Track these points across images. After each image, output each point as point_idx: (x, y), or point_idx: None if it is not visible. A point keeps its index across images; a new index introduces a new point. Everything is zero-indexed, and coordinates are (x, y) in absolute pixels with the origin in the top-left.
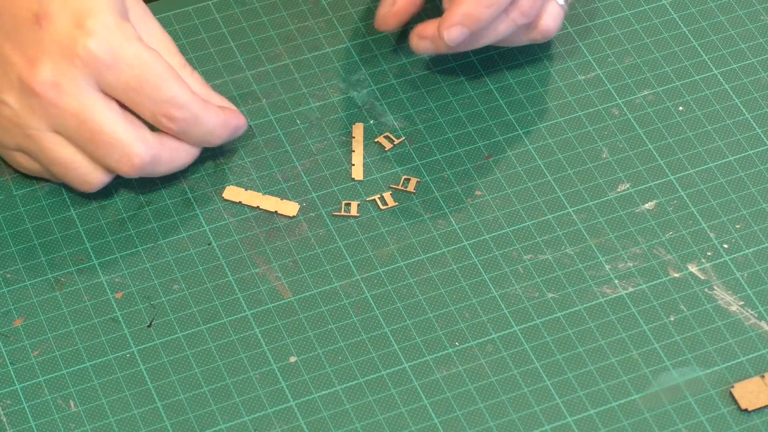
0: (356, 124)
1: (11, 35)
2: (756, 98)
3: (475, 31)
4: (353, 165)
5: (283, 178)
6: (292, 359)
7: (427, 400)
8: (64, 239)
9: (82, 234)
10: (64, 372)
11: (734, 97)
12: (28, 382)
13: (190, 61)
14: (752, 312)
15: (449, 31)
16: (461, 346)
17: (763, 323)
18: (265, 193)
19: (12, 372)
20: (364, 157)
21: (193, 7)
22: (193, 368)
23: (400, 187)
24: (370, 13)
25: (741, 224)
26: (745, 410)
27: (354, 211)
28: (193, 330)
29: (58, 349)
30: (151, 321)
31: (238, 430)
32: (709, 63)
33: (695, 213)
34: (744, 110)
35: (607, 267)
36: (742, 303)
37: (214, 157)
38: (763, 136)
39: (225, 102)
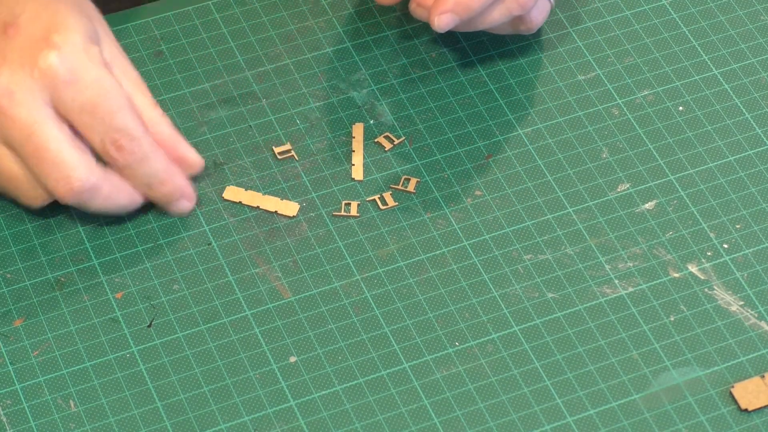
0: (356, 124)
1: None
2: (756, 98)
3: (466, 19)
4: (353, 165)
5: (283, 178)
6: (292, 359)
7: (427, 400)
8: (64, 239)
9: (82, 234)
10: (64, 372)
11: (734, 97)
12: (28, 382)
13: (190, 60)
14: (752, 312)
15: (440, 18)
16: (461, 346)
17: (763, 323)
18: (265, 193)
19: (12, 372)
20: (364, 157)
21: (193, 7)
22: (193, 368)
23: (400, 187)
24: (370, 13)
25: (741, 224)
26: (745, 410)
27: (354, 211)
28: (193, 330)
29: (58, 349)
30: (151, 321)
31: (238, 430)
32: (709, 63)
33: (695, 213)
34: (744, 110)
35: (607, 267)
36: (742, 303)
37: (214, 157)
38: (763, 136)
39: (192, 154)
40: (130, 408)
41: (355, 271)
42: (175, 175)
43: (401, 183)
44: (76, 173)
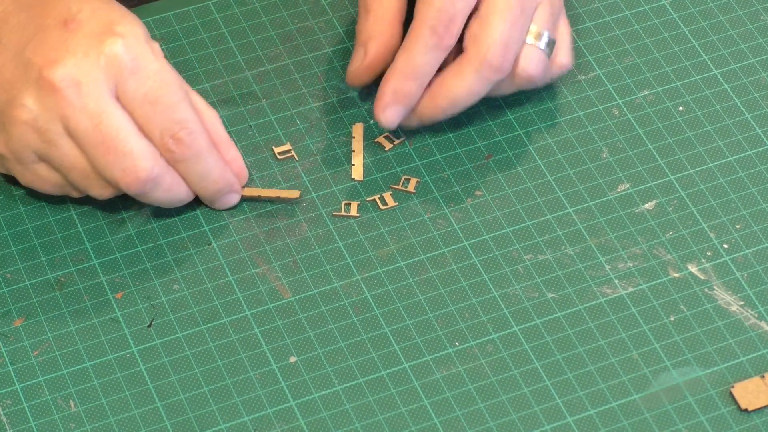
0: (356, 124)
1: (34, 39)
2: (756, 98)
3: (411, 106)
4: (353, 165)
5: (283, 178)
6: (292, 359)
7: (427, 400)
8: (64, 239)
9: (82, 234)
10: (64, 372)
11: (734, 97)
12: (28, 382)
13: (190, 60)
14: (752, 312)
15: (385, 114)
16: (461, 346)
17: (763, 323)
18: None
19: (12, 372)
20: (364, 157)
21: (193, 7)
22: (193, 368)
23: (400, 187)
24: None
25: (741, 224)
26: (745, 410)
27: (354, 211)
28: (193, 330)
29: (58, 349)
30: (151, 321)
31: (238, 430)
32: (709, 63)
33: (695, 213)
34: (744, 110)
35: (607, 267)
36: (742, 303)
37: None
38: (763, 136)
39: (240, 163)
40: (130, 408)
41: (355, 271)
42: (227, 171)
43: (401, 183)
44: (142, 163)
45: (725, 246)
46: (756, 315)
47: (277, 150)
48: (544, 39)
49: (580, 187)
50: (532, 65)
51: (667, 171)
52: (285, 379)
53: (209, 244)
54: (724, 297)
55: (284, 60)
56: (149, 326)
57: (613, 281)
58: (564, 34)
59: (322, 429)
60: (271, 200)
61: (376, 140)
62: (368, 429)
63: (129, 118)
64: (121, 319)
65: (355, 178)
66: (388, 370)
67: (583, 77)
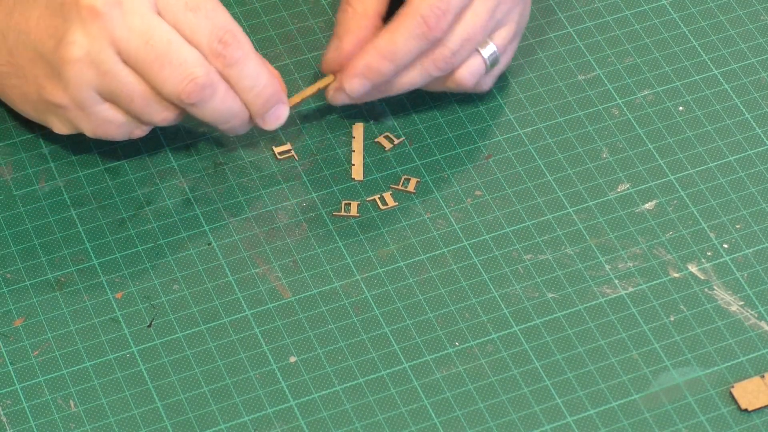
0: (356, 124)
1: None
2: (756, 98)
3: (377, 84)
4: (353, 165)
5: (283, 178)
6: (292, 359)
7: (427, 400)
8: (64, 239)
9: (82, 234)
10: (64, 372)
11: (734, 97)
12: (28, 382)
13: None
14: (752, 312)
15: (351, 82)
16: (461, 346)
17: (763, 323)
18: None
19: (12, 372)
20: (364, 157)
21: None
22: (193, 368)
23: (400, 187)
24: None
25: (741, 224)
26: (745, 410)
27: (354, 211)
28: (193, 330)
29: (58, 349)
30: (151, 321)
31: (238, 430)
32: (709, 63)
33: (695, 213)
34: (744, 110)
35: (607, 267)
36: (742, 303)
37: (214, 157)
38: (763, 136)
39: (279, 76)
40: (130, 408)
41: (355, 271)
42: (274, 78)
43: (401, 183)
44: (198, 69)
45: (725, 246)
46: (756, 315)
47: (277, 150)
48: (491, 52)
49: (580, 187)
50: (468, 74)
51: (667, 171)
52: (285, 379)
53: (209, 244)
54: (724, 297)
55: (284, 60)
56: (149, 326)
57: (613, 281)
58: (504, 61)
59: (322, 429)
60: (314, 95)
61: (376, 140)
62: (368, 429)
63: (175, 30)
64: (121, 319)
65: (355, 178)
66: (388, 370)
67: (583, 77)
